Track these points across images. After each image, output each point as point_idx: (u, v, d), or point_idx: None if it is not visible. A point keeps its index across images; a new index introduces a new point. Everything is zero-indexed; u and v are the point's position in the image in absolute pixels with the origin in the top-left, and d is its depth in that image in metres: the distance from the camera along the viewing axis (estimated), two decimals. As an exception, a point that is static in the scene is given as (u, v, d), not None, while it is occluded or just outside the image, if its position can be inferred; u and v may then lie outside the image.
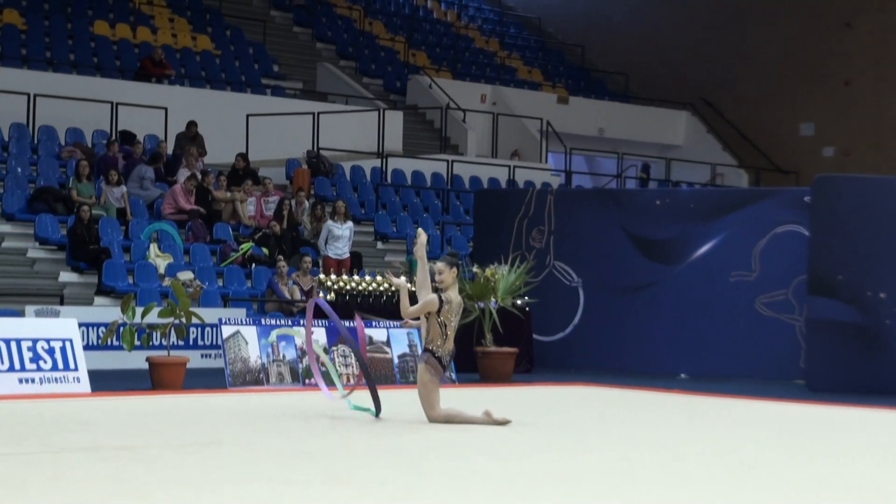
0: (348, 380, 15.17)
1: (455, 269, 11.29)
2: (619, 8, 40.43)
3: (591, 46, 40.94)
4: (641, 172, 35.48)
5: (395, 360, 15.82)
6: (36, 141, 24.17)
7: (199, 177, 23.09)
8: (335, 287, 17.77)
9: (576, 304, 19.78)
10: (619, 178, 33.43)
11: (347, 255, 22.07)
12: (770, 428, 11.95)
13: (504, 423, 11.06)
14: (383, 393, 13.25)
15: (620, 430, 11.26)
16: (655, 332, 19.15)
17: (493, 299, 17.37)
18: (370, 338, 15.64)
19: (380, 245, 25.31)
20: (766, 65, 36.38)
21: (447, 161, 29.21)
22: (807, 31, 35.84)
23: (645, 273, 19.38)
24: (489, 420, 11.07)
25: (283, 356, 14.96)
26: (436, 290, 11.28)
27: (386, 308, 17.70)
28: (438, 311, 11.10)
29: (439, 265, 11.27)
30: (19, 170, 22.64)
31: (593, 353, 19.44)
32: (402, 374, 15.84)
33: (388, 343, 15.88)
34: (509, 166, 30.34)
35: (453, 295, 11.23)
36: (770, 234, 18.76)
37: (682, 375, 18.57)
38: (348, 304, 17.62)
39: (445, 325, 11.14)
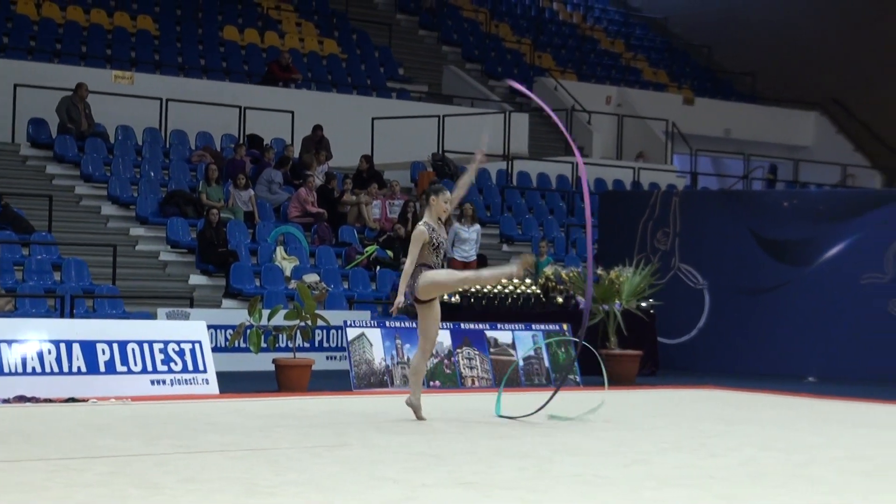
0: (473, 382, 15.20)
1: (433, 196, 11.40)
2: (745, 8, 39.99)
3: (717, 47, 40.57)
4: (768, 173, 35.07)
5: (521, 364, 15.82)
6: (168, 145, 24.59)
7: (320, 179, 23.31)
8: (460, 289, 17.80)
9: (701, 307, 19.63)
10: (746, 179, 33.08)
11: (474, 257, 22.11)
12: (902, 433, 11.74)
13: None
14: (508, 396, 13.26)
15: (747, 432, 11.14)
16: (782, 334, 18.93)
17: (617, 301, 17.31)
18: (494, 340, 15.69)
19: (505, 247, 25.33)
20: (898, 63, 35.75)
21: (572, 163, 29.14)
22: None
23: (772, 275, 19.17)
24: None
25: (408, 358, 15.04)
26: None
27: (511, 310, 17.72)
28: (429, 240, 11.25)
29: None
30: (152, 174, 23.05)
31: (719, 355, 19.28)
32: (527, 377, 15.83)
33: (513, 346, 15.89)
34: (634, 168, 30.20)
35: (430, 219, 11.35)
36: (904, 236, 18.45)
37: (811, 378, 18.31)
38: (473, 307, 17.67)
39: (438, 246, 11.30)
